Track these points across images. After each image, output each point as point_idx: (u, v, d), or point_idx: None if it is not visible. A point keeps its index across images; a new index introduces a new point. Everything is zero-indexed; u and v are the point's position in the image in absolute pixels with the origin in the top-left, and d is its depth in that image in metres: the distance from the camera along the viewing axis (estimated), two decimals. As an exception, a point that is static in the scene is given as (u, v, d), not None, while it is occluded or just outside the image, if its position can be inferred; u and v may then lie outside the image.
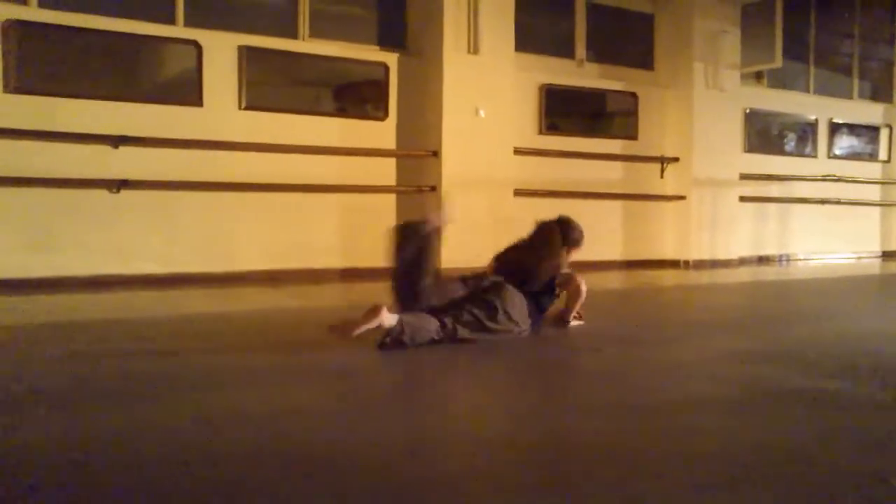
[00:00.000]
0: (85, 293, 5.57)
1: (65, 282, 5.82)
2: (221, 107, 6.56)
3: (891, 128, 11.29)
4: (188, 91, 6.46)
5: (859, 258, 10.87)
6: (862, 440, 2.16)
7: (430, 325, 3.49)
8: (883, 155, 11.26)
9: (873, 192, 11.11)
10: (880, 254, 11.24)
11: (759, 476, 1.83)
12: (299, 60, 7.06)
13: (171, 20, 6.43)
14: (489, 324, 3.63)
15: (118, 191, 6.05)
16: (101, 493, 1.70)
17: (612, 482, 1.79)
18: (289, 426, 2.23)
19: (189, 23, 6.48)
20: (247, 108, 6.66)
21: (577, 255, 4.19)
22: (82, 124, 5.95)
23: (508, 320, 3.69)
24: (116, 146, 6.04)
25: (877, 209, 11.20)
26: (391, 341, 3.34)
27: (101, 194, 6.04)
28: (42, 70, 5.97)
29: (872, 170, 11.12)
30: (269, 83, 6.98)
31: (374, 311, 3.31)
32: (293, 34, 7.02)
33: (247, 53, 6.63)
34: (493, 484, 1.80)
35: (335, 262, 7.08)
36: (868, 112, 11.15)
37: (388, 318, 3.34)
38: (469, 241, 7.12)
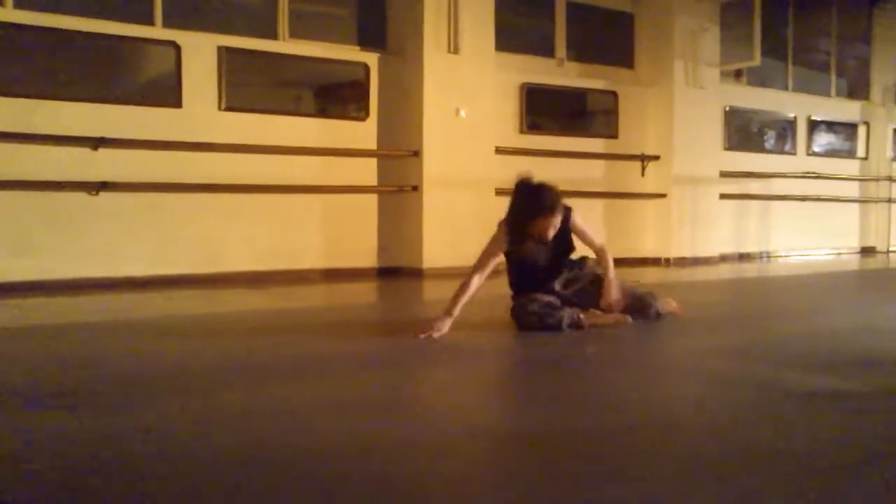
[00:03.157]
0: (65, 296, 5.53)
1: (45, 285, 5.77)
2: (201, 108, 6.53)
3: (868, 125, 11.39)
4: (167, 92, 6.43)
5: (839, 254, 10.96)
6: (843, 434, 2.19)
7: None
8: (861, 152, 11.37)
9: (852, 189, 11.21)
10: (859, 250, 11.34)
11: (742, 472, 1.84)
12: (279, 61, 7.04)
13: (149, 21, 6.39)
14: None
15: (98, 193, 6.01)
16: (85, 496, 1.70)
17: (593, 479, 1.80)
18: (275, 426, 2.23)
19: (167, 24, 6.44)
20: (227, 110, 6.63)
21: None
22: (60, 126, 5.90)
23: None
24: (96, 148, 6.00)
25: (855, 206, 11.30)
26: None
27: (81, 197, 5.99)
28: (19, 72, 5.92)
29: (851, 167, 11.23)
30: (249, 84, 6.95)
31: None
32: (273, 35, 7.00)
33: (226, 54, 6.61)
34: (471, 481, 1.81)
35: (317, 262, 7.07)
36: (846, 109, 11.25)
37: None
38: (450, 241, 7.16)
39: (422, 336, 3.64)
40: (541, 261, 4.03)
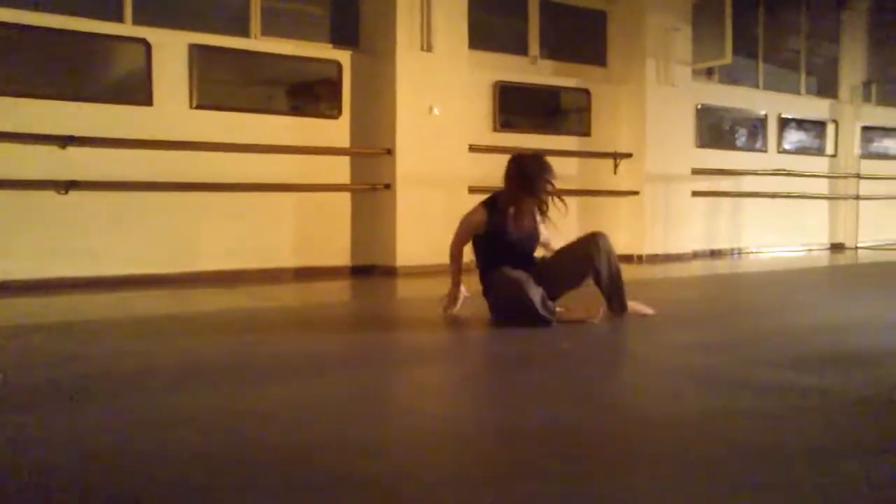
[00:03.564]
0: (33, 297, 5.47)
1: (11, 286, 5.70)
2: (172, 106, 6.47)
3: (837, 123, 11.53)
4: (138, 90, 6.37)
5: (809, 251, 11.09)
6: (818, 429, 2.21)
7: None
8: (830, 149, 11.50)
9: (821, 186, 11.34)
10: (828, 246, 11.48)
11: (718, 467, 1.86)
12: (251, 59, 7.00)
13: (118, 18, 6.33)
14: None
15: (67, 192, 5.94)
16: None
17: (565, 474, 1.81)
18: (243, 426, 2.22)
19: (137, 21, 6.38)
20: (198, 108, 6.58)
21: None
22: (27, 124, 5.82)
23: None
24: (64, 146, 5.93)
25: (825, 203, 11.44)
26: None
27: (49, 196, 5.92)
28: (-15, 69, 5.85)
29: (820, 164, 11.35)
30: (221, 82, 6.91)
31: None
32: (245, 32, 6.96)
33: (197, 52, 6.55)
34: (445, 478, 1.82)
35: (290, 261, 7.03)
36: (815, 107, 11.37)
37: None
38: (423, 239, 7.16)
39: (449, 312, 4.27)
40: (515, 239, 4.14)
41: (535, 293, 3.87)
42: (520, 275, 3.92)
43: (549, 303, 3.95)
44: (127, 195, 6.24)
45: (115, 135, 6.14)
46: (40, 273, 5.88)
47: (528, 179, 4.06)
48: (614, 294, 4.22)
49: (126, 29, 6.34)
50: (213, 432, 2.17)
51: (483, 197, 4.36)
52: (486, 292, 4.19)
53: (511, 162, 4.16)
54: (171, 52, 6.45)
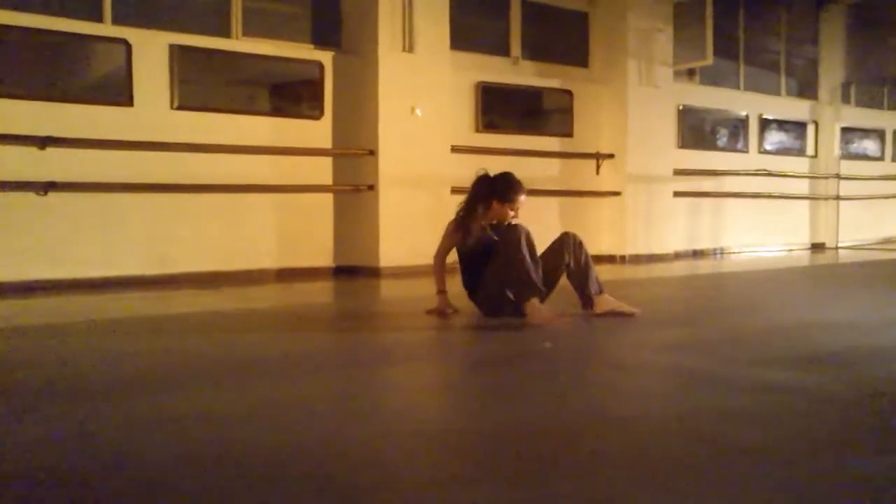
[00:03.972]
0: (12, 299, 5.41)
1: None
2: (153, 106, 6.43)
3: (817, 124, 11.62)
4: (118, 91, 6.32)
5: (790, 250, 11.16)
6: (800, 427, 2.22)
7: None
8: (810, 150, 11.59)
9: (802, 186, 11.43)
10: (809, 246, 11.57)
11: (700, 466, 1.86)
12: (233, 59, 6.96)
13: (98, 18, 6.28)
14: None
15: (46, 193, 5.88)
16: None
17: (545, 476, 1.81)
18: (213, 429, 2.20)
19: (117, 21, 6.33)
20: (179, 108, 6.54)
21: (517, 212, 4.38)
22: (5, 125, 5.76)
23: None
24: (43, 147, 5.88)
25: (806, 203, 11.52)
26: None
27: (28, 197, 5.86)
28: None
29: (801, 164, 11.44)
30: (202, 82, 6.87)
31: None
32: (226, 33, 6.92)
33: (178, 52, 6.52)
34: (425, 480, 1.81)
35: (272, 262, 7.01)
36: (795, 108, 11.46)
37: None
38: (406, 240, 7.16)
39: (443, 318, 4.31)
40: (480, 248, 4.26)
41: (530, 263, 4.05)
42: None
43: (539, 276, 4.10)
44: (107, 196, 6.20)
45: (95, 136, 6.10)
46: (18, 275, 5.82)
47: (501, 186, 4.30)
48: (583, 284, 4.33)
49: (106, 29, 6.30)
50: (194, 434, 2.15)
51: (463, 198, 4.43)
52: (473, 293, 4.32)
53: (479, 178, 4.38)
54: (151, 52, 6.41)
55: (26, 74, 6.08)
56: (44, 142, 5.86)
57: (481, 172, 4.39)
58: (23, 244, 5.88)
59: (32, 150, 5.86)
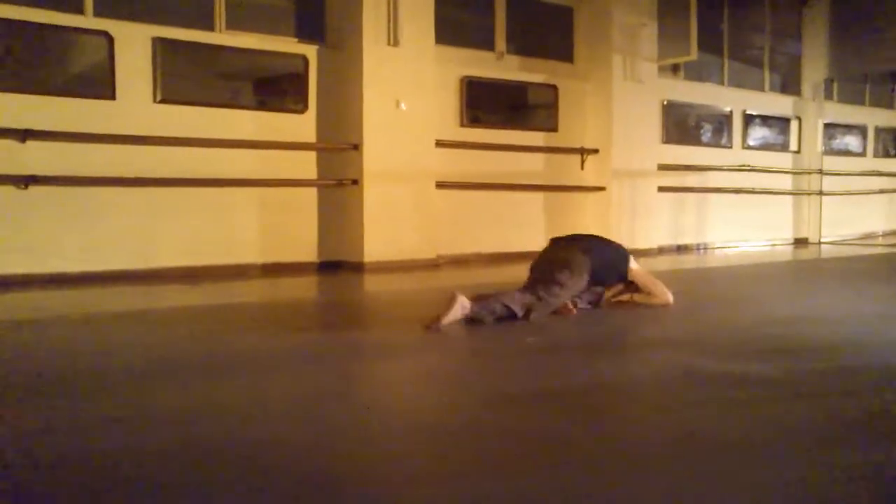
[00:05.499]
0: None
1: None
2: (136, 100, 6.39)
3: (800, 119, 11.68)
4: (100, 84, 6.26)
5: (773, 245, 11.22)
6: (777, 419, 2.23)
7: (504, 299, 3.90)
8: (793, 146, 11.65)
9: (785, 182, 11.50)
10: (792, 241, 11.64)
11: (678, 459, 1.87)
12: (216, 53, 6.92)
13: (79, 10, 6.22)
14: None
15: (27, 187, 5.84)
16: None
17: (524, 470, 1.81)
18: (204, 424, 2.19)
19: (98, 13, 6.27)
20: (162, 102, 6.49)
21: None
22: (-15, 118, 5.72)
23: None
24: (23, 140, 5.83)
25: (789, 198, 11.59)
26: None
27: (8, 191, 5.81)
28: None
29: (784, 160, 11.50)
30: (185, 76, 6.82)
31: (452, 299, 3.72)
32: (209, 26, 6.88)
33: (161, 45, 6.47)
34: (412, 471, 1.81)
35: (256, 257, 6.98)
36: (779, 104, 11.52)
37: (464, 302, 3.75)
38: (391, 234, 7.15)
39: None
40: None
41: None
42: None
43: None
44: (89, 190, 6.15)
45: (76, 129, 6.04)
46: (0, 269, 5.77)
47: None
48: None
49: (87, 21, 6.24)
50: (172, 429, 2.14)
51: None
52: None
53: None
54: (133, 45, 6.36)
55: (6, 66, 6.00)
56: (24, 135, 5.82)
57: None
58: (3, 238, 5.82)
59: (13, 144, 5.81)
